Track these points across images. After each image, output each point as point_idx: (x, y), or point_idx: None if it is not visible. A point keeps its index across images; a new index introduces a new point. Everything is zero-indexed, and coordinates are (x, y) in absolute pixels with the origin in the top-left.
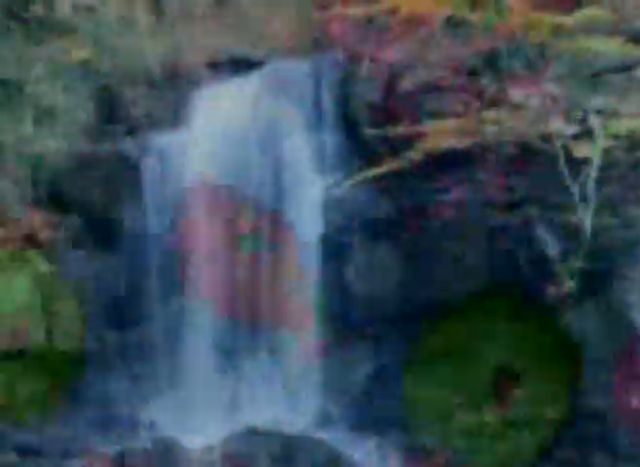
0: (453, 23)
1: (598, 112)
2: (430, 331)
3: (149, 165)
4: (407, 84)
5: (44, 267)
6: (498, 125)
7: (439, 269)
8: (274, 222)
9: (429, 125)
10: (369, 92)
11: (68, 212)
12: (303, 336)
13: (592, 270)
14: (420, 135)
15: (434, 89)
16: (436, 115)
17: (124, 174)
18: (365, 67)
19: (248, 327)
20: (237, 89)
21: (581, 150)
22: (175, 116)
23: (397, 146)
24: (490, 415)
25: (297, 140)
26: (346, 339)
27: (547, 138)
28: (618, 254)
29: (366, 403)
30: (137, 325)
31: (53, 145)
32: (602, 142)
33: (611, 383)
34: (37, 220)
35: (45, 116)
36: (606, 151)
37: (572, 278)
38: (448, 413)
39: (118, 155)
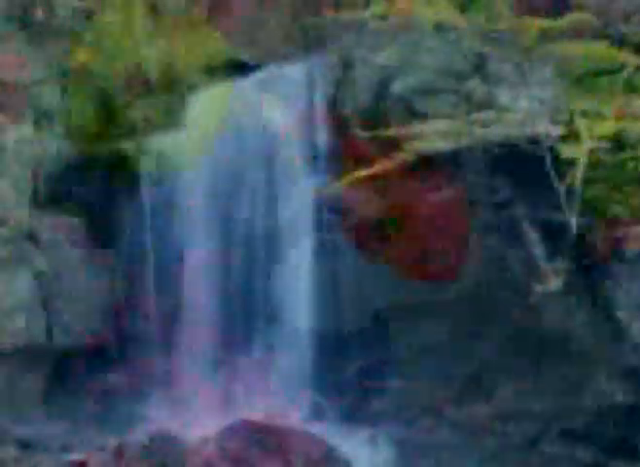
0: (443, 28)
1: (584, 114)
2: (418, 327)
3: (146, 167)
4: (397, 87)
5: (44, 265)
6: (486, 128)
7: (427, 267)
8: (267, 221)
9: (419, 127)
10: (361, 95)
11: (67, 212)
12: (296, 332)
13: (578, 268)
14: (410, 137)
15: (423, 91)
16: (426, 117)
17: (122, 175)
18: (357, 71)
19: (243, 323)
20: (232, 93)
21: (567, 151)
22: (172, 118)
23: (387, 147)
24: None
25: (290, 141)
26: (338, 335)
27: (533, 140)
28: (602, 253)
29: (357, 397)
30: (135, 322)
31: (53, 146)
32: (588, 144)
33: (596, 378)
34: (37, 220)
35: (45, 118)
36: (591, 152)
37: (558, 276)
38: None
39: (115, 156)
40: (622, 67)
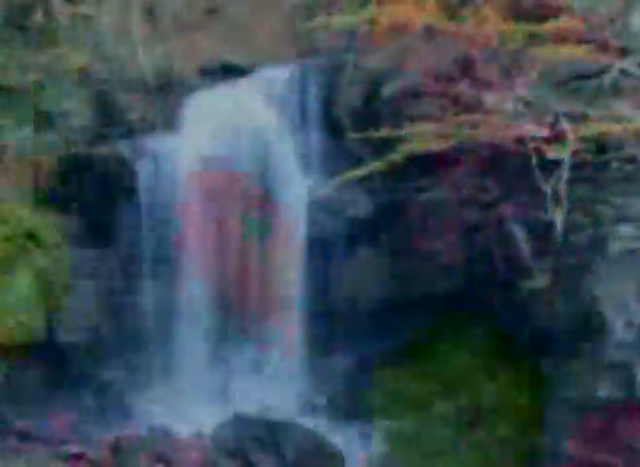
0: (432, 32)
1: (569, 116)
2: (408, 325)
3: (144, 166)
4: (387, 90)
5: (44, 263)
6: (474, 129)
7: (418, 266)
8: (262, 221)
9: (409, 129)
10: (352, 98)
11: (67, 211)
12: (290, 329)
13: (563, 267)
14: (400, 138)
15: (413, 94)
16: (415, 119)
17: (120, 175)
18: (348, 74)
19: (238, 321)
20: (227, 95)
21: (552, 152)
22: (168, 120)
23: (378, 148)
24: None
25: (283, 143)
26: (330, 332)
27: (520, 141)
28: (587, 251)
29: (349, 391)
30: (133, 319)
31: (53, 147)
32: (572, 145)
33: (580, 373)
34: (37, 219)
35: (45, 120)
36: (576, 153)
37: (544, 274)
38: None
39: (114, 157)
40: (606, 70)
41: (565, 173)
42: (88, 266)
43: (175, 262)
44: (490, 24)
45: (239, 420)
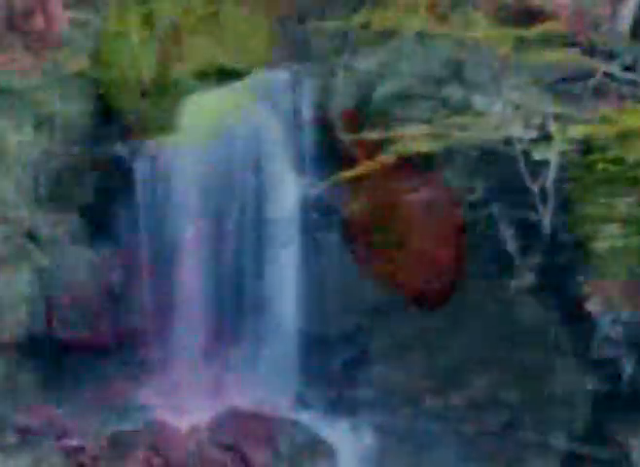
0: (423, 36)
1: (556, 118)
2: (400, 322)
3: (141, 168)
4: (378, 92)
5: (44, 262)
6: (463, 131)
7: (409, 265)
8: (256, 220)
9: (400, 131)
10: (344, 100)
11: (66, 211)
12: (283, 326)
13: (550, 265)
14: (392, 140)
15: (404, 97)
16: (406, 121)
17: (119, 175)
18: (340, 77)
19: (233, 317)
20: (223, 97)
21: (540, 153)
22: (166, 122)
23: (370, 149)
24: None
25: (277, 144)
26: (323, 329)
27: (508, 142)
28: (574, 249)
29: (341, 387)
30: (131, 315)
31: (53, 148)
32: (559, 146)
33: (568, 369)
34: (37, 218)
35: (44, 122)
36: (563, 154)
37: (531, 272)
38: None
39: (112, 158)
40: (592, 74)
41: (552, 173)
42: (87, 263)
43: (172, 260)
44: (480, 28)
45: (234, 415)
